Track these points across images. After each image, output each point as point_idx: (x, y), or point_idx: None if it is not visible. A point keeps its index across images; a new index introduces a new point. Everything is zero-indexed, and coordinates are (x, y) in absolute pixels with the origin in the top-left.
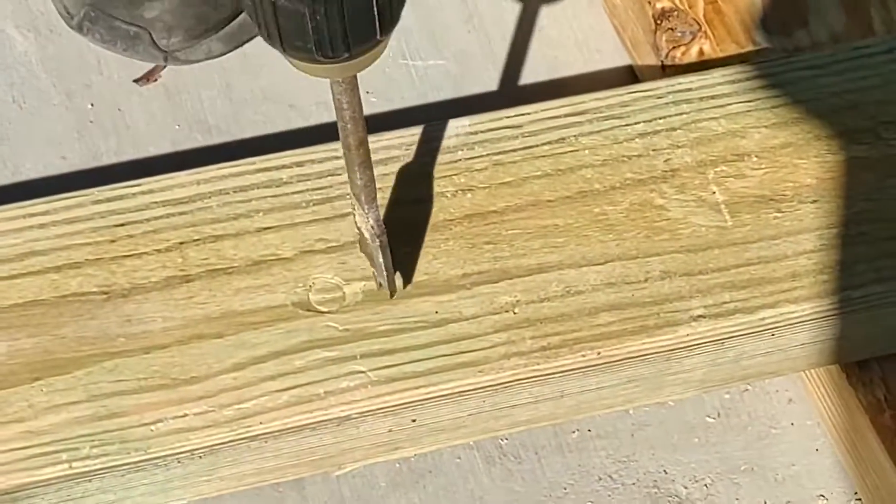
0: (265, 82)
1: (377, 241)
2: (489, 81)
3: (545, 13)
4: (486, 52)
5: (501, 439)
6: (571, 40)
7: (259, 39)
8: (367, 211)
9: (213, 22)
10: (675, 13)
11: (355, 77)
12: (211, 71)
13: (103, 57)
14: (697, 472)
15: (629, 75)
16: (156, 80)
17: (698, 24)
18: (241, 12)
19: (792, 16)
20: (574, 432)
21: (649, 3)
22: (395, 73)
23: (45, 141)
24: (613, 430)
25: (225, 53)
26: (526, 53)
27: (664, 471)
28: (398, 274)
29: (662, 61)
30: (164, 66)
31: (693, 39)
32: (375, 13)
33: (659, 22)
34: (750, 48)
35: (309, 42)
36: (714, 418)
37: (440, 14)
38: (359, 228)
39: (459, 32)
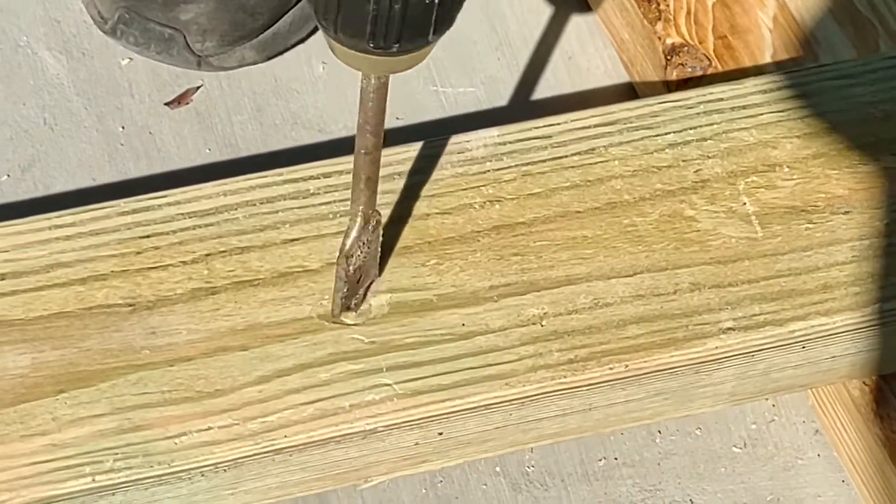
0: (295, 106)
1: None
2: (518, 108)
3: (574, 42)
4: (516, 79)
5: (528, 466)
6: (601, 70)
7: (290, 63)
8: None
9: (248, 29)
10: (686, 48)
11: (388, 82)
12: (241, 95)
13: (135, 80)
14: (724, 501)
15: None
16: (187, 103)
17: (708, 59)
18: (276, 22)
19: (801, 49)
20: (601, 460)
21: (659, 38)
22: (425, 100)
23: (76, 163)
24: (640, 458)
25: (257, 63)
26: (555, 81)
27: (690, 500)
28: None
29: None
30: (196, 90)
31: (704, 75)
32: None
33: (669, 58)
34: None
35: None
36: (740, 448)
37: (470, 41)
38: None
39: (489, 59)
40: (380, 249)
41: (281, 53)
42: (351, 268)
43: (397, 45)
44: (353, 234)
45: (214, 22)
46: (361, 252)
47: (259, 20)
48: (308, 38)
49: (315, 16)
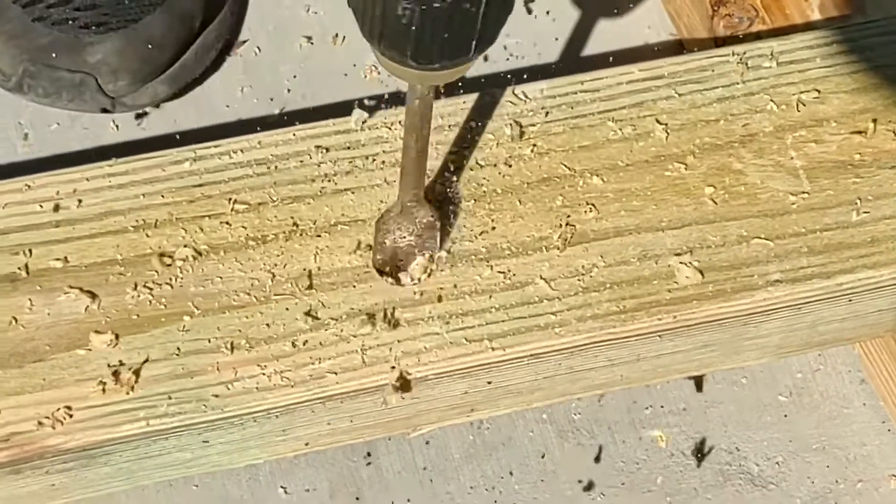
0: (343, 56)
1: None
2: (564, 62)
3: None
4: (562, 32)
5: (575, 413)
6: (647, 23)
7: (337, 12)
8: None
9: (157, 64)
10: None
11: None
12: (288, 45)
13: None
14: (769, 450)
15: None
16: (235, 53)
17: (755, 10)
18: (183, 54)
19: (849, 3)
20: (647, 408)
21: None
22: None
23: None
24: (687, 406)
25: (169, 98)
26: (601, 35)
27: (736, 448)
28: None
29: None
30: (244, 43)
31: (750, 25)
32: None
33: (716, 8)
34: None
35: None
36: (786, 397)
37: None
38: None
39: (536, 13)
40: (438, 245)
41: (190, 85)
42: (385, 240)
43: (440, 64)
44: (392, 214)
45: (123, 60)
46: (402, 235)
47: (166, 53)
48: (213, 66)
49: (363, 34)
